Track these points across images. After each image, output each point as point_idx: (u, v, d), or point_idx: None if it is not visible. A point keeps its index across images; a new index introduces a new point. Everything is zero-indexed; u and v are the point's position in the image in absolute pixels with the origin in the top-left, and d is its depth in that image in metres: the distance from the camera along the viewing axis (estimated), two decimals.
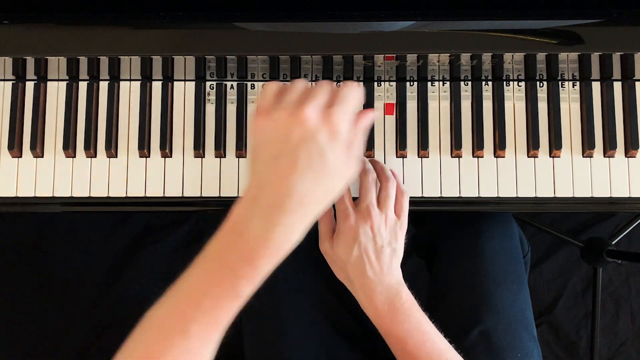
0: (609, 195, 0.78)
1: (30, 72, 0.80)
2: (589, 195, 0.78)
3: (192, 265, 0.55)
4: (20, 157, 0.80)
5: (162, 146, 0.79)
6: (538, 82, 0.79)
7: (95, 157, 0.80)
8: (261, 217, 0.53)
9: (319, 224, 0.75)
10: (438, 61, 0.78)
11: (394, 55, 0.75)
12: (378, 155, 0.79)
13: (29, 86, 0.80)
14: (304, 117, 0.54)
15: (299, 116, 0.54)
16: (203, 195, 0.79)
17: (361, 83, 0.68)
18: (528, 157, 0.79)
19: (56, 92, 0.80)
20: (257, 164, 0.56)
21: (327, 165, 0.54)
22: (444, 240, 0.91)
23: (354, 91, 0.59)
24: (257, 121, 0.57)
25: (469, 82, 0.80)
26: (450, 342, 0.79)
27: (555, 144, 0.78)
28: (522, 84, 0.80)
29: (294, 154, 0.54)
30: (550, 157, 0.79)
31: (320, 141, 0.54)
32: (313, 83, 0.79)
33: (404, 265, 0.72)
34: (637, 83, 0.79)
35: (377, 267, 0.69)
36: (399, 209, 0.73)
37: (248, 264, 0.53)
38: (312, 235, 0.79)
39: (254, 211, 0.54)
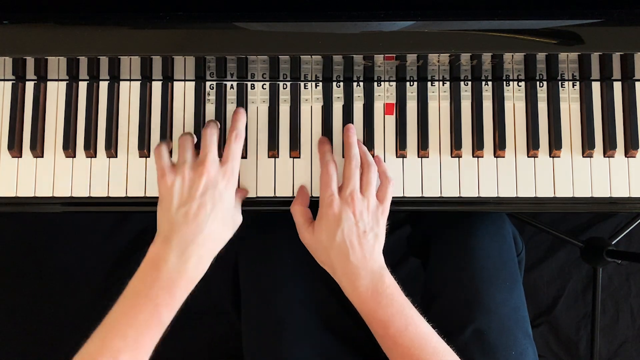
0: (609, 195, 0.78)
1: (30, 72, 0.80)
2: (589, 195, 0.78)
3: (116, 302, 0.63)
4: (20, 157, 0.80)
5: None
6: (538, 82, 0.79)
7: (95, 157, 0.80)
8: (176, 253, 0.64)
9: (294, 215, 0.76)
10: (438, 61, 0.78)
11: (394, 55, 0.75)
12: (378, 155, 0.79)
13: (29, 86, 0.80)
14: (206, 170, 0.67)
15: (202, 170, 0.67)
16: None
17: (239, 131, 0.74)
18: (528, 157, 0.79)
19: (56, 92, 0.80)
20: (168, 212, 0.67)
21: (227, 206, 0.68)
22: (437, 240, 0.91)
23: (239, 147, 0.72)
24: (163, 179, 0.68)
25: (469, 82, 0.80)
26: (444, 341, 0.79)
27: (555, 144, 0.78)
28: (522, 84, 0.80)
29: (201, 199, 0.66)
30: (550, 157, 0.79)
31: (220, 188, 0.68)
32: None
33: (403, 265, 0.72)
34: (637, 83, 0.79)
35: (359, 252, 0.70)
36: (382, 195, 0.74)
37: (167, 293, 0.63)
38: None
39: (168, 249, 0.64)
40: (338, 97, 0.80)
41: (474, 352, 0.80)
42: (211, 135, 0.71)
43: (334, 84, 0.80)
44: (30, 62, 0.78)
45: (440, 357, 0.68)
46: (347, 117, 0.79)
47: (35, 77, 0.80)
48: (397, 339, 0.68)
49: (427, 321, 0.71)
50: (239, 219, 0.72)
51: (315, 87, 0.80)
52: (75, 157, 0.80)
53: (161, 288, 0.63)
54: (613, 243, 1.34)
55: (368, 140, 0.79)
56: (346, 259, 0.70)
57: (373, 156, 0.78)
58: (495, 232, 0.87)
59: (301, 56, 0.77)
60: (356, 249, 0.70)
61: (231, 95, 0.80)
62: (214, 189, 0.67)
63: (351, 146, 0.75)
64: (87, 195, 0.79)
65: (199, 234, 0.65)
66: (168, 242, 0.65)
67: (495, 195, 0.78)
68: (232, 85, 0.80)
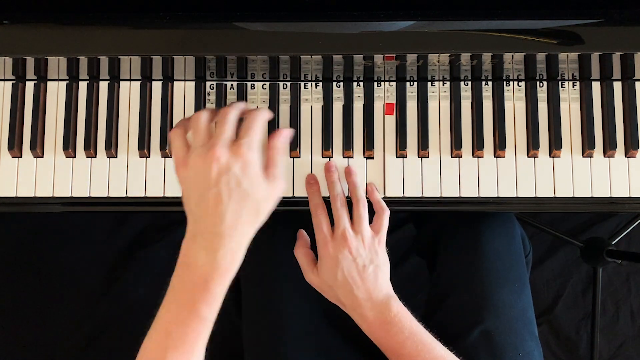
0: (609, 195, 0.78)
1: (30, 72, 0.80)
2: (589, 195, 0.78)
3: (163, 300, 0.63)
4: (20, 157, 0.80)
5: (162, 146, 0.79)
6: (538, 82, 0.79)
7: (95, 157, 0.80)
8: (204, 248, 0.62)
9: (298, 258, 0.78)
10: (438, 61, 0.78)
11: (394, 55, 0.75)
12: (378, 155, 0.79)
13: (29, 86, 0.80)
14: (215, 156, 0.62)
15: (211, 157, 0.62)
16: None
17: (264, 108, 0.70)
18: (528, 157, 0.79)
19: (56, 92, 0.80)
20: (189, 206, 0.64)
21: (246, 191, 0.62)
22: (445, 240, 0.91)
23: (258, 119, 0.66)
24: (178, 172, 0.65)
25: (469, 82, 0.80)
26: (452, 342, 0.79)
27: (555, 144, 0.78)
28: (522, 84, 0.80)
29: (216, 188, 0.61)
30: (550, 157, 0.79)
31: (235, 172, 0.62)
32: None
33: (403, 265, 0.73)
34: (637, 83, 0.79)
35: (362, 286, 0.73)
36: (377, 227, 0.76)
37: (203, 289, 0.61)
38: (311, 236, 0.79)
39: (196, 244, 0.62)
40: (338, 97, 0.80)
41: (481, 353, 0.80)
42: (225, 114, 0.65)
43: (334, 84, 0.80)
44: (30, 62, 0.78)
45: None
46: (347, 117, 0.79)
47: (35, 77, 0.80)
48: None
49: (436, 321, 0.72)
50: (270, 199, 0.65)
51: (315, 87, 0.80)
52: (75, 157, 0.80)
53: (196, 284, 0.61)
54: (613, 243, 1.34)
55: (368, 140, 0.79)
56: (351, 294, 0.73)
57: (372, 157, 0.78)
58: (505, 233, 0.87)
59: (301, 56, 0.77)
60: (359, 284, 0.73)
61: (231, 95, 0.80)
62: (227, 174, 0.61)
63: (333, 185, 0.77)
64: (87, 195, 0.79)
65: (220, 225, 0.61)
66: (194, 238, 0.62)
67: (495, 195, 0.78)
68: (232, 85, 0.80)
